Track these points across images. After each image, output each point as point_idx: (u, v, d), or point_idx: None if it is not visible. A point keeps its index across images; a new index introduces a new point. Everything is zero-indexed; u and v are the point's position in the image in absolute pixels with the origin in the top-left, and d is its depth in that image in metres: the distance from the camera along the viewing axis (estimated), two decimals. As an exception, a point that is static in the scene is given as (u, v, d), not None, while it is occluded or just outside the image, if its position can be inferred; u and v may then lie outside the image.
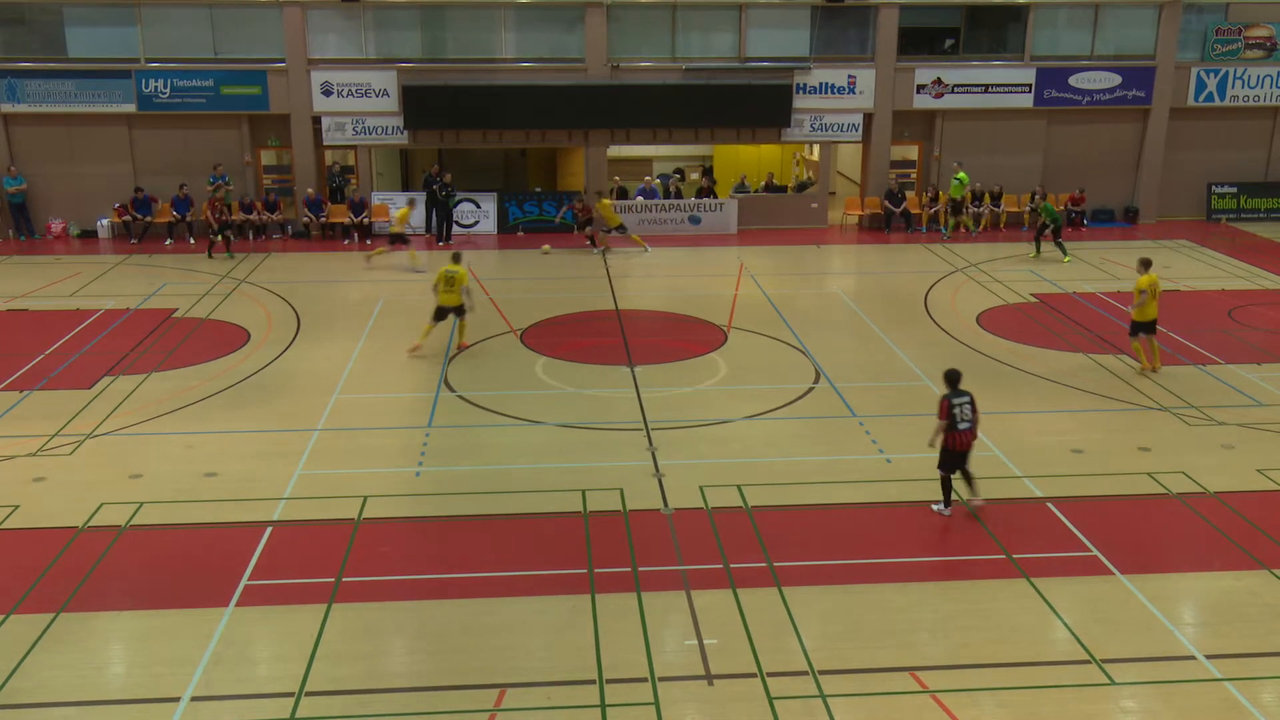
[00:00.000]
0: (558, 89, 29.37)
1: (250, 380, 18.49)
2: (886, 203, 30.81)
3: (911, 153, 32.14)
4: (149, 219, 29.09)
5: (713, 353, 20.06)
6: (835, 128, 30.75)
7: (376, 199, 29.92)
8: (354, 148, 30.08)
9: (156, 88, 28.83)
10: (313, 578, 12.24)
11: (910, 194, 31.37)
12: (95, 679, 10.65)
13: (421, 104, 29.06)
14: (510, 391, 17.90)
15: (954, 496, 13.85)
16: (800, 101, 30.24)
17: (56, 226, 29.50)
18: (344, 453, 15.59)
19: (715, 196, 31.01)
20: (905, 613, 11.68)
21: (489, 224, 29.95)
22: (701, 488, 14.35)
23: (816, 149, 32.57)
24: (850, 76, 30.36)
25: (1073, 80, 30.76)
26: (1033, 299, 23.63)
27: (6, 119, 28.89)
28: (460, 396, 17.71)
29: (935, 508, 13.78)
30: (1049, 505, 13.98)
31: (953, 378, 13.65)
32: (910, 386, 18.27)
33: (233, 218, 28.40)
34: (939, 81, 30.57)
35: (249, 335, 20.92)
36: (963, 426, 13.41)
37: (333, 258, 27.45)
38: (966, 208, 30.23)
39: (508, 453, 15.63)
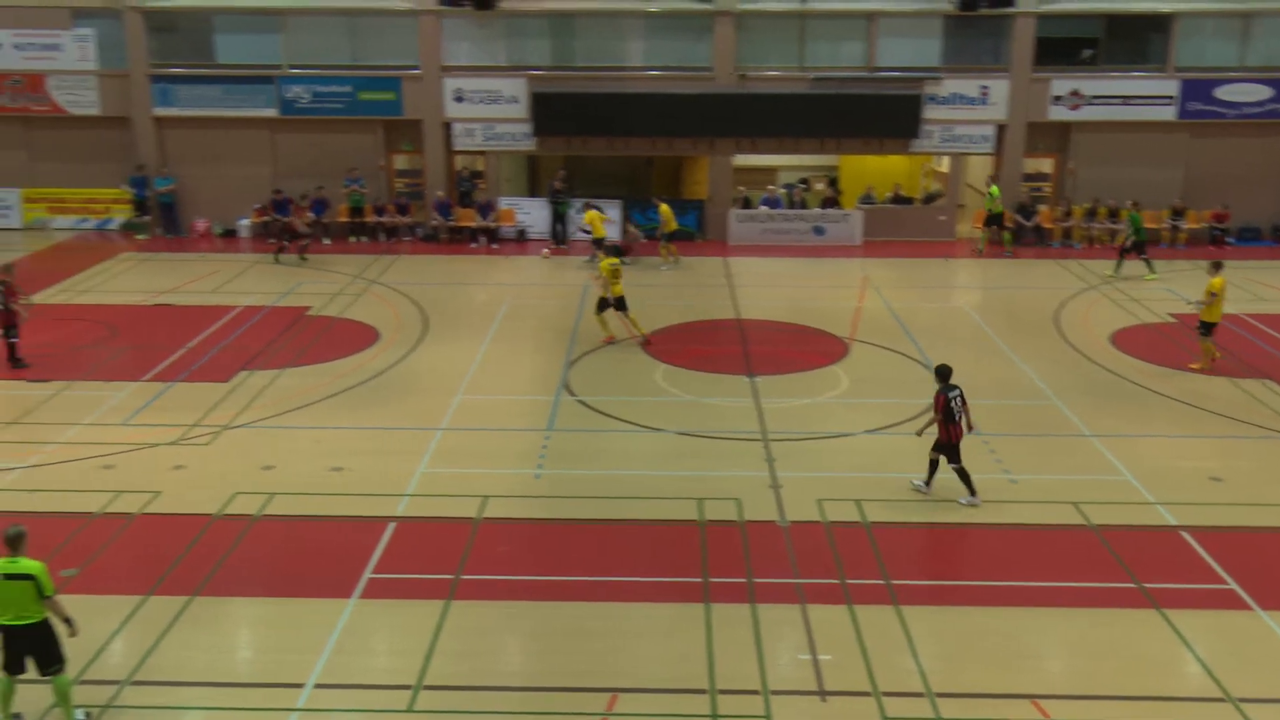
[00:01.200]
0: (685, 97, 29.46)
1: (378, 378, 18.95)
2: (1018, 216, 30.10)
3: (1045, 165, 31.34)
4: (286, 220, 30.05)
5: (834, 365, 19.86)
6: (966, 139, 30.18)
7: (503, 204, 30.41)
8: (483, 153, 30.64)
9: (298, 93, 29.82)
10: (432, 574, 12.49)
11: (1043, 208, 30.59)
12: (225, 661, 11.05)
13: (550, 111, 29.45)
14: (630, 397, 17.99)
15: (933, 479, 14.31)
16: (930, 112, 29.76)
17: (201, 225, 30.70)
18: (466, 452, 15.87)
19: (840, 207, 30.70)
20: (1027, 638, 11.38)
21: (613, 231, 30.18)
22: (819, 501, 14.21)
23: (946, 160, 32.02)
24: (983, 87, 29.76)
25: (1219, 92, 29.61)
26: (1170, 319, 22.81)
27: (159, 122, 30.20)
28: (580, 401, 17.88)
29: (963, 501, 14.09)
30: (1183, 534, 13.47)
31: (944, 373, 14.18)
32: (1037, 405, 17.80)
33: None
34: (1076, 93, 29.76)
35: (378, 334, 21.46)
36: (959, 418, 14.03)
37: (460, 260, 27.97)
38: (1003, 223, 29.34)
39: (626, 458, 15.71)
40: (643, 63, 29.76)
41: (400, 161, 31.15)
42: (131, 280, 25.85)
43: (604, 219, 26.67)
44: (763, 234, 29.88)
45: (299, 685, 10.56)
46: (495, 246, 28.38)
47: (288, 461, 15.52)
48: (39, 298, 23.74)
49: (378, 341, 21.03)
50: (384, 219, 30.15)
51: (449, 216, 29.97)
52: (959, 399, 14.10)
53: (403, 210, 30.29)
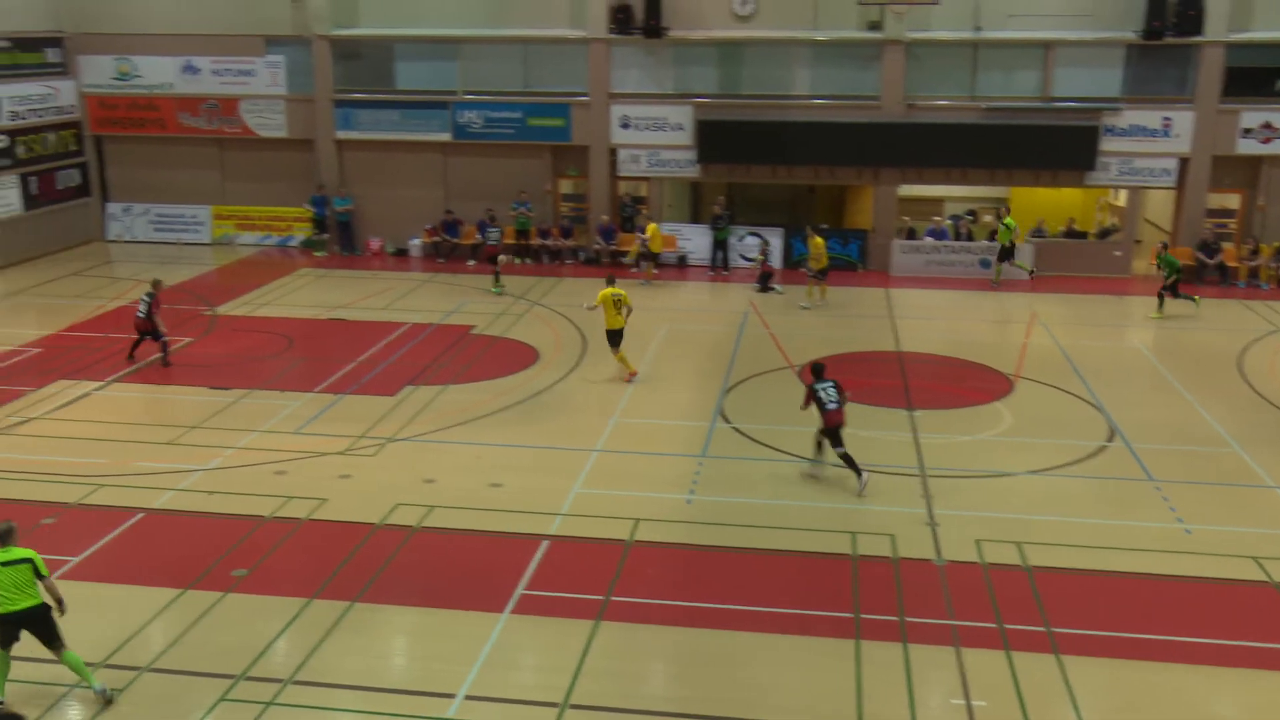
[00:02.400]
0: (851, 126, 29.18)
1: (537, 398, 19.28)
2: (1200, 254, 28.73)
3: (1231, 201, 29.85)
4: (455, 240, 30.98)
5: (996, 402, 19.28)
6: (1146, 172, 29.00)
7: (666, 229, 30.63)
8: (647, 179, 30.97)
9: (470, 118, 30.74)
10: (583, 593, 12.60)
11: (1228, 245, 29.12)
12: (380, 667, 11.37)
13: (714, 138, 29.57)
14: (785, 427, 17.84)
15: (819, 458, 15.76)
16: (1108, 143, 28.71)
17: (375, 244, 31.88)
18: (620, 474, 15.99)
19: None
20: (1200, 698, 10.77)
21: (775, 259, 30.06)
22: (977, 541, 13.79)
23: (1123, 194, 30.82)
24: (1165, 118, 28.57)
25: None
26: (1367, 366, 21.39)
27: (340, 144, 31.55)
28: (735, 428, 17.81)
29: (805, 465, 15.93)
30: (1376, 596, 12.56)
31: (817, 369, 15.93)
32: (1217, 452, 16.90)
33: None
34: (1269, 125, 28.28)
35: (538, 355, 21.85)
36: (831, 407, 15.40)
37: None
38: (1015, 255, 28.15)
39: (779, 488, 15.57)
40: (809, 91, 29.63)
41: (565, 186, 31.77)
42: (308, 295, 26.99)
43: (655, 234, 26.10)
44: (927, 265, 29.30)
45: (450, 696, 10.78)
46: (655, 271, 28.58)
47: (448, 475, 15.91)
48: (224, 309, 25.03)
49: (538, 361, 21.41)
50: (548, 242, 30.75)
51: (611, 241, 30.35)
52: (833, 389, 15.57)
53: (566, 234, 30.84)
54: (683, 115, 29.89)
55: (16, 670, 10.86)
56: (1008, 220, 28.46)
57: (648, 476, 15.90)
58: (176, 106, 31.99)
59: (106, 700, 10.71)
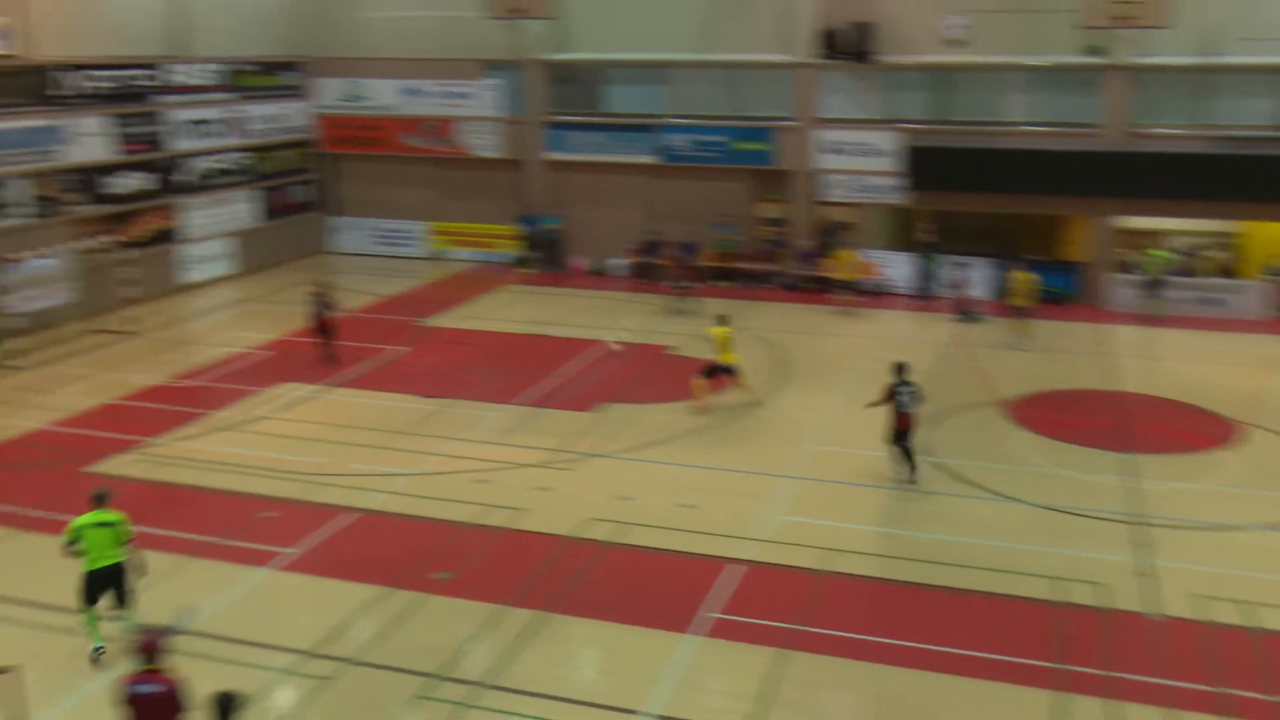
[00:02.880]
0: (1068, 154, 28.06)
1: (734, 420, 19.24)
2: None
3: None
4: (657, 261, 31.29)
5: (1222, 449, 18.12)
6: (1394, 208, 26.79)
7: (866, 256, 30.16)
8: (849, 204, 30.57)
9: (676, 141, 31.06)
10: (772, 621, 12.47)
11: None
12: (567, 678, 11.53)
13: (922, 165, 28.95)
14: (988, 464, 17.25)
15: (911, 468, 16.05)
16: (1354, 176, 26.66)
17: (579, 263, 32.53)
18: (815, 503, 15.78)
19: (1238, 277, 28.07)
20: None
21: (981, 289, 29.16)
22: (1197, 597, 12.96)
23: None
24: None
25: None
26: None
27: (549, 165, 32.42)
28: (935, 462, 17.33)
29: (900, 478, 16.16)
30: None
31: (900, 368, 16.35)
32: None
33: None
34: None
35: (738, 376, 21.76)
36: (905, 410, 15.95)
37: (821, 310, 27.93)
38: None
39: (979, 526, 15.05)
40: (1023, 118, 28.68)
41: (767, 211, 31.67)
42: (514, 310, 27.78)
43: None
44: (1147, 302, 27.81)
45: (633, 712, 10.83)
46: (857, 297, 28.14)
47: (643, 493, 16.04)
48: (434, 321, 26.03)
49: (737, 383, 21.35)
50: (749, 265, 30.72)
51: (812, 266, 30.07)
52: (911, 392, 16.11)
53: (768, 258, 30.74)
54: (889, 141, 29.40)
55: (234, 652, 11.56)
56: (1157, 253, 27.02)
57: (844, 506, 15.64)
58: (399, 127, 33.54)
59: (95, 659, 11.65)
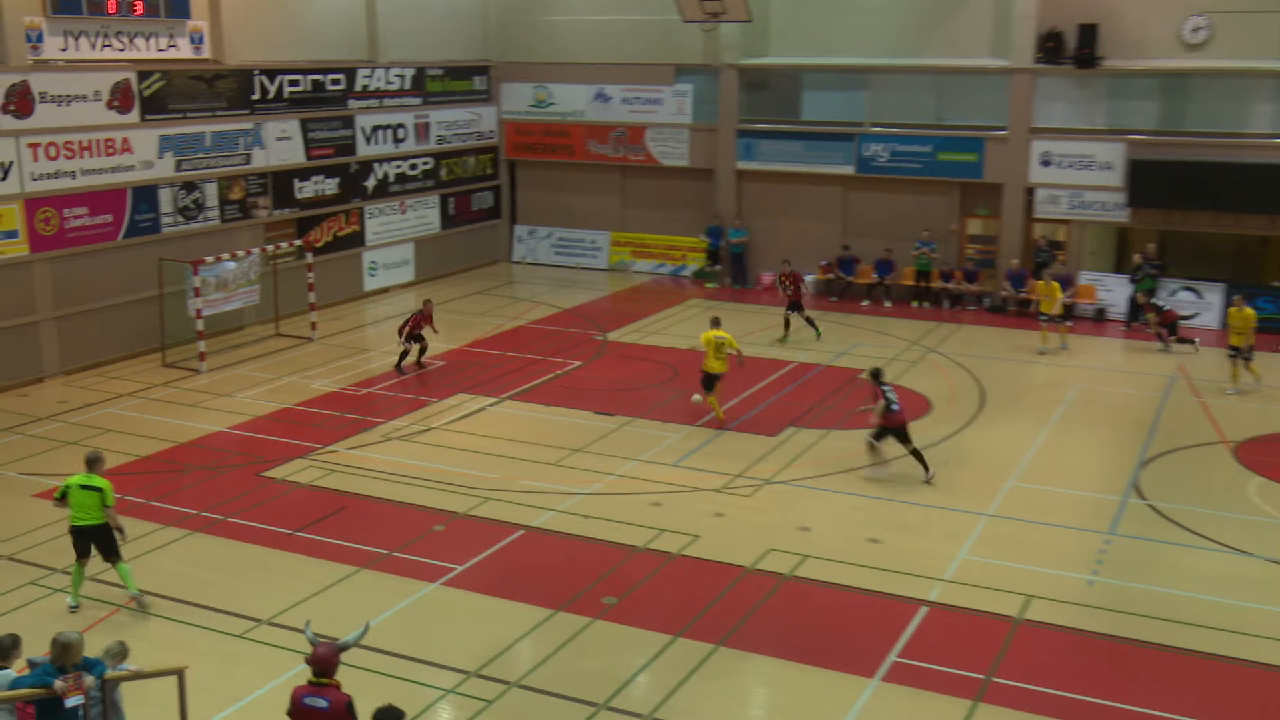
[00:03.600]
0: (1319, 170, 26.45)
1: (926, 451, 18.85)
2: None
3: None
4: (850, 279, 31.02)
5: None
6: None
7: (1084, 278, 29.13)
8: (1066, 222, 29.59)
9: (876, 152, 30.73)
10: (961, 669, 12.16)
11: None
12: (737, 716, 11.50)
13: (1149, 179, 27.76)
14: (1214, 510, 16.39)
15: (884, 458, 17.92)
16: None
17: (767, 278, 32.51)
18: (1012, 544, 15.33)
19: None
20: None
21: (1211, 317, 27.77)
22: None
23: None
24: None
25: None
26: None
27: (740, 175, 32.55)
28: (1152, 506, 16.58)
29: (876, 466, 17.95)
30: None
31: (877, 374, 18.21)
32: None
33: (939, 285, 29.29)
34: None
35: (930, 405, 21.40)
36: (895, 409, 17.69)
37: (1028, 335, 27.14)
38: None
39: (1201, 580, 14.31)
40: (1269, 129, 27.18)
41: (973, 226, 30.96)
42: (696, 326, 27.89)
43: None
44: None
45: (809, 758, 10.73)
46: (1069, 325, 27.21)
47: (824, 525, 15.90)
48: (614, 335, 26.44)
49: (929, 413, 20.98)
50: (950, 285, 30.11)
51: (1020, 288, 29.24)
52: (893, 392, 17.97)
53: (970, 278, 30.05)
54: (1113, 153, 28.33)
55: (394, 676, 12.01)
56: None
57: (1044, 549, 15.13)
58: (586, 133, 34.27)
59: (141, 606, 13.40)
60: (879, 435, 17.92)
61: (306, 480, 17.55)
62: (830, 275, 31.24)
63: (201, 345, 23.66)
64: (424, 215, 33.02)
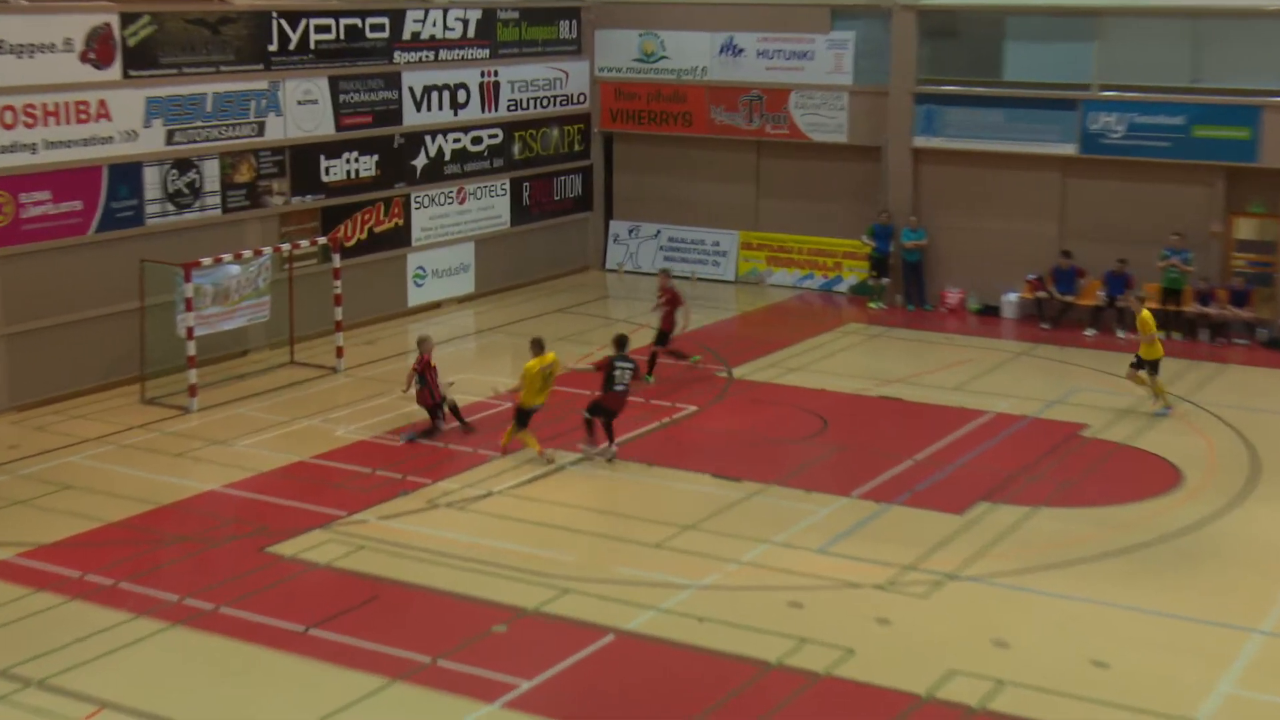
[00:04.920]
0: None
1: (1173, 540, 18.45)
2: None
3: None
4: (1070, 298, 30.47)
5: None
6: None
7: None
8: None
9: (1107, 124, 30.27)
10: None
11: None
12: None
13: None
14: None
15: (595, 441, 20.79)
16: None
17: (953, 297, 32.16)
18: (1296, 674, 14.87)
19: None
20: None
21: None
22: None
23: None
24: None
25: None
26: None
27: (918, 155, 32.28)
28: None
29: (581, 446, 21.48)
30: None
31: (621, 341, 21.94)
32: None
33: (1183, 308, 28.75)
34: None
35: (1181, 475, 20.95)
36: (619, 388, 21.13)
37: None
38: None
39: None
40: None
41: (1244, 228, 30.28)
42: (854, 360, 27.73)
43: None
44: None
45: None
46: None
47: (1028, 639, 15.60)
48: (742, 371, 26.33)
49: (1179, 486, 20.55)
50: (1209, 309, 29.48)
51: (1311, 315, 28.56)
52: (629, 372, 21.43)
53: (1239, 300, 29.38)
54: None
55: None
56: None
57: (1343, 684, 14.63)
58: (710, 98, 34.38)
59: None
60: (593, 410, 21.23)
61: (325, 559, 17.70)
62: (1041, 293, 30.77)
63: (193, 375, 24.07)
64: (490, 206, 33.35)
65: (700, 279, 34.57)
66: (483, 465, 21.17)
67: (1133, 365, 24.34)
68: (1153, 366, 24.02)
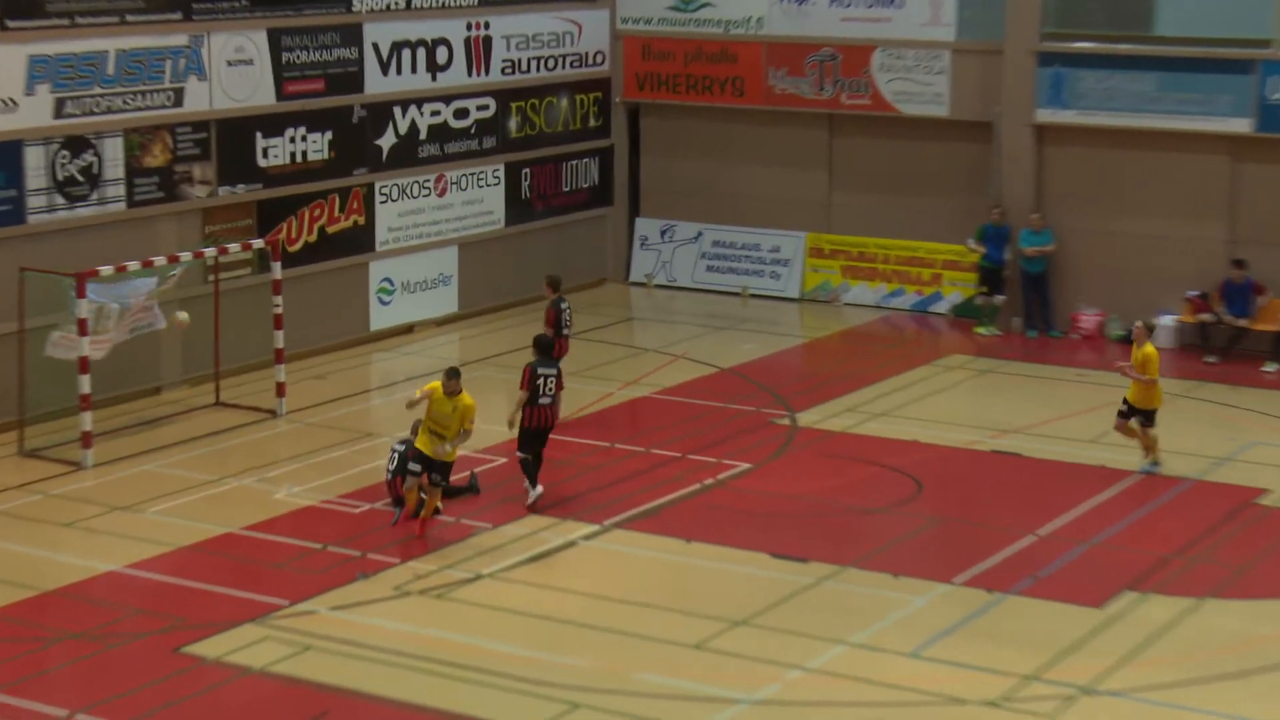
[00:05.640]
0: None
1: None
2: None
3: None
4: (1244, 322, 30.29)
5: None
6: None
7: None
8: None
9: (1292, 94, 30.31)
10: None
11: None
12: None
13: None
14: None
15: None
16: None
17: (1088, 321, 32.01)
18: None
19: None
20: None
21: None
22: None
23: None
24: None
25: None
26: None
27: (1042, 133, 32.20)
28: None
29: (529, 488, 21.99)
30: None
31: (543, 345, 22.55)
32: None
33: None
34: None
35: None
36: (543, 401, 21.73)
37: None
38: None
39: None
40: None
41: None
42: (958, 403, 27.69)
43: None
44: None
45: None
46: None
47: (1191, 775, 15.51)
48: (808, 417, 26.25)
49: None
50: None
51: None
52: (554, 380, 21.99)
53: None
54: None
55: None
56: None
57: None
58: (767, 57, 34.43)
59: None
60: (525, 444, 21.96)
61: (260, 663, 17.64)
62: (1206, 315, 30.61)
63: (87, 420, 24.11)
64: (478, 200, 33.43)
65: (754, 295, 34.60)
66: (469, 539, 21.12)
67: (1121, 414, 24.17)
68: (1148, 416, 23.93)
